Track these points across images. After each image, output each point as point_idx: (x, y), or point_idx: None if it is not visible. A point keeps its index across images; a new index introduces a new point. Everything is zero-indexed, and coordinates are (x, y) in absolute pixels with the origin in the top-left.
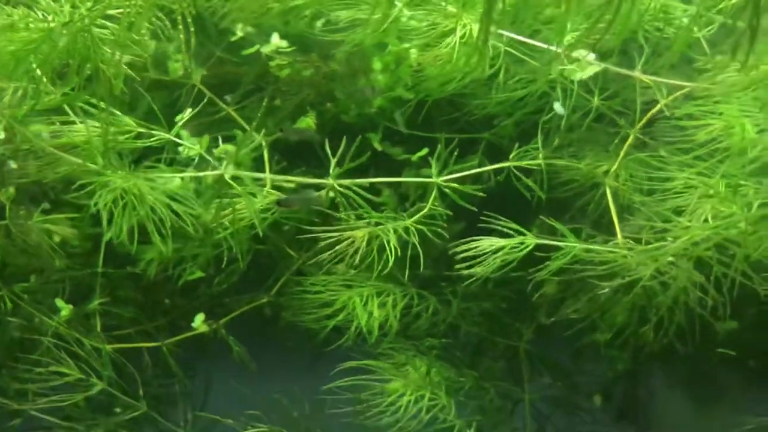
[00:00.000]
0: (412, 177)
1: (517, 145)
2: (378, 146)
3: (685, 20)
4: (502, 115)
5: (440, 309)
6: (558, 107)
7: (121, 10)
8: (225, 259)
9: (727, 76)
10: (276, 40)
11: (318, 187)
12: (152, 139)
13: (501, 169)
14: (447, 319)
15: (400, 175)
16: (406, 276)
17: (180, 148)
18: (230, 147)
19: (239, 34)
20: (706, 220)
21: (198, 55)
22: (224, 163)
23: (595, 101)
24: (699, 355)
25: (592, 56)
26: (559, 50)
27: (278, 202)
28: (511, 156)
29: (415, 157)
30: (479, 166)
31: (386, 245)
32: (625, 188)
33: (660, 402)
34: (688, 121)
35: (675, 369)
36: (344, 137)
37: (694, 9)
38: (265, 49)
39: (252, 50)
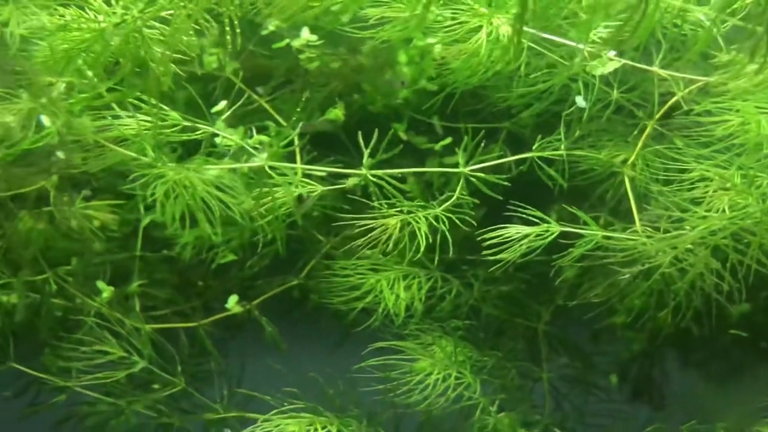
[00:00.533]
0: (436, 165)
1: (540, 136)
2: (403, 135)
3: (702, 17)
4: (523, 106)
5: (463, 292)
6: (580, 101)
7: (171, 12)
8: (261, 243)
9: (745, 73)
10: (306, 34)
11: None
12: (198, 132)
13: (523, 159)
14: (469, 302)
15: (423, 162)
16: (435, 261)
17: (217, 139)
18: (264, 138)
19: (271, 28)
20: (723, 211)
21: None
22: (261, 153)
23: (615, 94)
24: (713, 337)
25: (612, 52)
26: (582, 47)
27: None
28: (534, 147)
29: (438, 146)
30: (500, 154)
31: (417, 232)
32: (642, 178)
33: (674, 382)
34: (705, 117)
35: (689, 350)
36: (370, 127)
37: (709, 9)
38: (296, 43)
39: (282, 44)
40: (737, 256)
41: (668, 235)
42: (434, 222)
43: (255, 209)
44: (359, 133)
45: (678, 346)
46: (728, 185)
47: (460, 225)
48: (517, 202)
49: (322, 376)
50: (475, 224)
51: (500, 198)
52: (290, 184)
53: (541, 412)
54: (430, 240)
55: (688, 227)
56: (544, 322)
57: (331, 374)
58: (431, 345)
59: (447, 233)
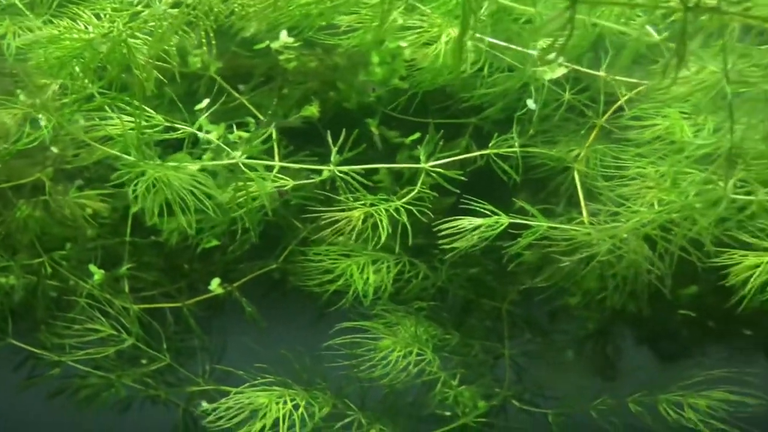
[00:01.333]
0: (406, 157)
1: (496, 134)
2: (375, 130)
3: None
4: (488, 103)
5: (430, 275)
6: (531, 103)
7: (153, 24)
8: (239, 231)
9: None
10: (284, 36)
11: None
12: (178, 131)
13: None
14: (436, 284)
15: (396, 155)
16: (405, 246)
17: (199, 134)
18: (244, 133)
19: (252, 32)
20: (652, 205)
21: (214, 49)
22: (238, 149)
23: (567, 95)
24: (664, 317)
25: (560, 59)
26: (534, 54)
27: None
28: (490, 144)
29: (408, 140)
30: (467, 148)
31: (379, 224)
32: (591, 172)
33: (627, 358)
34: (637, 121)
35: (642, 329)
36: (345, 122)
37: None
38: (275, 45)
39: (262, 45)
40: (665, 244)
41: (606, 226)
42: (396, 215)
43: (231, 202)
44: (334, 127)
45: (630, 325)
46: (652, 184)
47: (429, 214)
48: (487, 191)
49: (298, 353)
50: (446, 211)
51: (472, 187)
52: (263, 179)
53: (501, 386)
54: (390, 230)
55: (623, 219)
56: (508, 302)
57: (306, 351)
58: (396, 324)
59: (408, 224)
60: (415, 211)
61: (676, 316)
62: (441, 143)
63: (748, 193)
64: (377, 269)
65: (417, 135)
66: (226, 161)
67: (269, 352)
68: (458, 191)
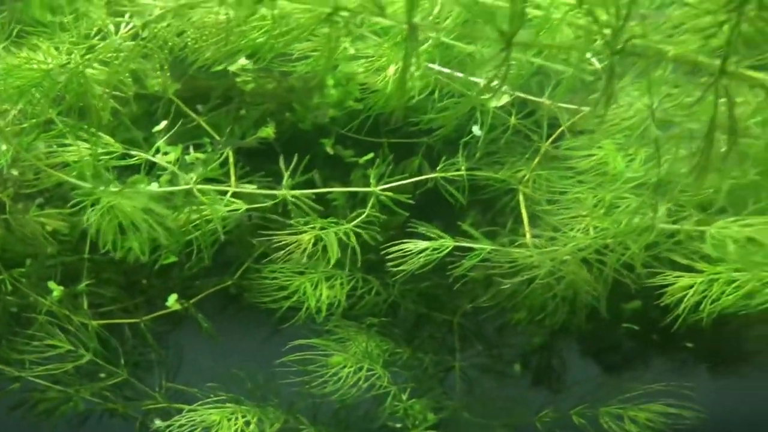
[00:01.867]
0: (360, 176)
1: (445, 158)
2: (330, 150)
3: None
4: (438, 124)
5: (382, 291)
6: (476, 130)
7: (110, 55)
8: (195, 251)
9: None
10: (242, 60)
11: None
12: (135, 158)
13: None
14: (388, 300)
15: (350, 174)
16: (347, 267)
17: (157, 157)
18: (200, 155)
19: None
20: (588, 231)
21: (173, 72)
22: (195, 171)
23: (513, 120)
24: (607, 331)
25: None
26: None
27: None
28: (438, 168)
29: (362, 160)
30: (419, 167)
31: (328, 247)
32: (536, 196)
33: (573, 370)
34: (575, 151)
35: (585, 343)
36: (301, 142)
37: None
38: (232, 67)
39: (220, 68)
40: (600, 266)
41: (547, 249)
42: (344, 238)
43: (185, 226)
44: (290, 148)
45: (576, 340)
46: (585, 212)
47: (381, 232)
48: (439, 210)
49: (252, 369)
50: (397, 229)
51: (424, 206)
52: (214, 204)
53: (451, 398)
54: (342, 249)
55: (562, 243)
56: (459, 316)
57: (260, 366)
58: (348, 340)
59: (357, 245)
60: (365, 235)
61: (621, 330)
62: (392, 165)
63: (676, 222)
64: (331, 285)
65: (371, 155)
66: (182, 186)
67: (225, 366)
68: (409, 211)
